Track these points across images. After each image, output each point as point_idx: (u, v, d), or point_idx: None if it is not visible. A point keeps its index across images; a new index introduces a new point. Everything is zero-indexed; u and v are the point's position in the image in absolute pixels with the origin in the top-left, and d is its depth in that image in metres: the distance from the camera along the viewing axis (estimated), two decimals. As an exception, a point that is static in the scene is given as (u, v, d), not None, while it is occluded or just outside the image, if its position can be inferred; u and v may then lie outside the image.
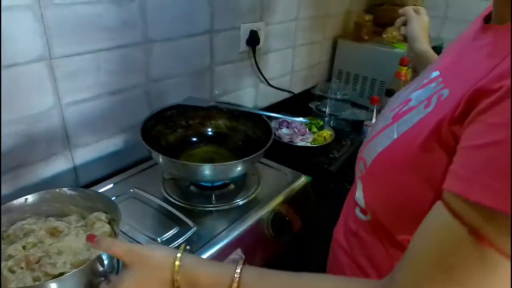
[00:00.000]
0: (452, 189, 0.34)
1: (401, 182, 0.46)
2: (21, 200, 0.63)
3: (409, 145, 0.45)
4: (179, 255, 0.49)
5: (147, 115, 0.88)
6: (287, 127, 1.22)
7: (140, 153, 0.98)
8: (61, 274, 0.53)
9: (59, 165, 0.86)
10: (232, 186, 0.89)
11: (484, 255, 0.31)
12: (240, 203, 0.83)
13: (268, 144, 0.82)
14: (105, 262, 0.55)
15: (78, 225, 0.63)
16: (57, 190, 0.66)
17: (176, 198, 0.83)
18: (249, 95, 1.34)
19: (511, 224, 0.29)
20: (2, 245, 0.58)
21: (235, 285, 0.45)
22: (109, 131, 0.94)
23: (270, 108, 1.42)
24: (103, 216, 0.63)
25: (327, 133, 1.24)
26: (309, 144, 1.18)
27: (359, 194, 0.55)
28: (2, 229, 0.60)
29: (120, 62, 0.89)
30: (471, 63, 0.43)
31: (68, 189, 0.66)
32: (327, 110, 1.42)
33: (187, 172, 0.83)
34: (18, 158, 0.78)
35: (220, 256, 0.70)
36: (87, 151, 0.90)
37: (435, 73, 0.51)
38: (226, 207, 0.82)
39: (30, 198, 0.64)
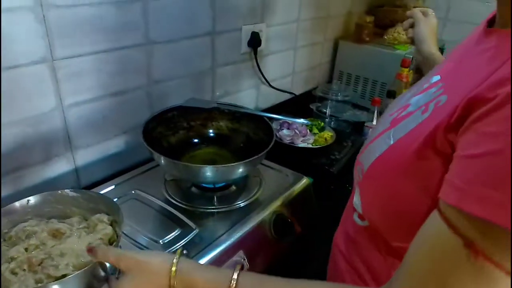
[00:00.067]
0: (446, 199, 0.34)
1: (397, 189, 0.46)
2: (23, 201, 0.63)
3: (404, 151, 0.44)
4: (175, 260, 0.49)
5: (148, 117, 0.88)
6: (288, 128, 1.22)
7: (141, 155, 0.98)
8: (64, 276, 0.53)
9: (60, 166, 0.86)
10: (233, 187, 0.89)
11: (480, 269, 0.31)
12: (242, 204, 0.83)
13: (270, 146, 0.82)
14: (107, 264, 0.55)
15: (80, 226, 0.63)
16: (59, 191, 0.65)
17: (178, 200, 0.83)
18: (250, 97, 1.34)
19: (511, 238, 0.29)
20: (4, 247, 0.58)
21: None
22: (111, 133, 0.94)
23: (271, 109, 1.42)
24: (105, 218, 0.63)
25: (328, 135, 1.23)
26: (310, 146, 1.18)
27: (356, 199, 0.54)
28: (4, 231, 0.60)
29: (121, 63, 0.89)
30: (472, 68, 0.42)
31: (70, 191, 0.66)
32: (328, 111, 1.42)
33: (189, 173, 0.83)
34: (20, 160, 0.78)
35: (222, 258, 0.70)
36: (89, 153, 0.90)
37: (436, 78, 0.51)
38: (228, 209, 0.82)
39: (32, 199, 0.64)
